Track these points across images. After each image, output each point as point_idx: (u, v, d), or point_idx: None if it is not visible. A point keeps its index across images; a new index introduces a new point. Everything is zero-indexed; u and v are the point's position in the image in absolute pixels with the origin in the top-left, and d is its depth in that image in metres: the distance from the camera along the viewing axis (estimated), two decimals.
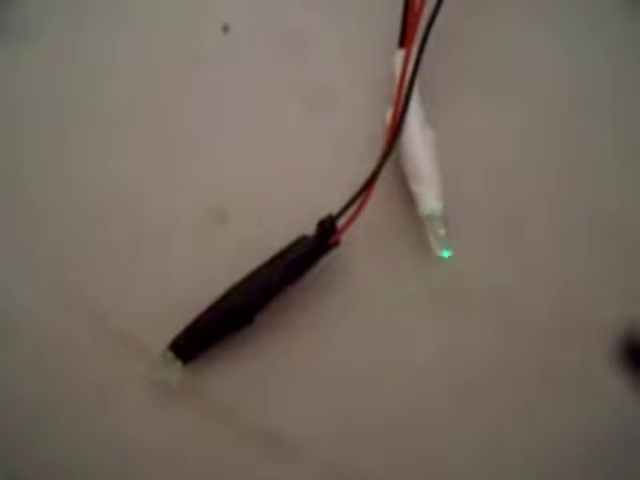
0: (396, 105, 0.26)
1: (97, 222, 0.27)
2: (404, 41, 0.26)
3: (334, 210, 0.25)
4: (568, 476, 0.25)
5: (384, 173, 0.25)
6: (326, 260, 0.25)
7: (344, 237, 0.25)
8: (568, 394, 0.25)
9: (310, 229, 0.25)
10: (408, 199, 0.26)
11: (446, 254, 0.26)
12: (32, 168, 0.27)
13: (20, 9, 0.28)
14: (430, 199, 0.25)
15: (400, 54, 0.26)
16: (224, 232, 0.27)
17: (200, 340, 0.25)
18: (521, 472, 0.25)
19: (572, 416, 0.25)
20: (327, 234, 0.25)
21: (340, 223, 0.25)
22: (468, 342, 0.26)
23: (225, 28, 0.28)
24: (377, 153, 0.26)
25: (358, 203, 0.25)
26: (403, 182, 0.26)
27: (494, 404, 0.25)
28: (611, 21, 0.28)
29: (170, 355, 0.25)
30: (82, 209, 0.27)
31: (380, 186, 0.25)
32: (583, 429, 0.25)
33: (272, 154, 0.27)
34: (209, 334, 0.25)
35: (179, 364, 0.25)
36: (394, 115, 0.26)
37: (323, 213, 0.25)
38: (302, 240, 0.25)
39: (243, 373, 0.25)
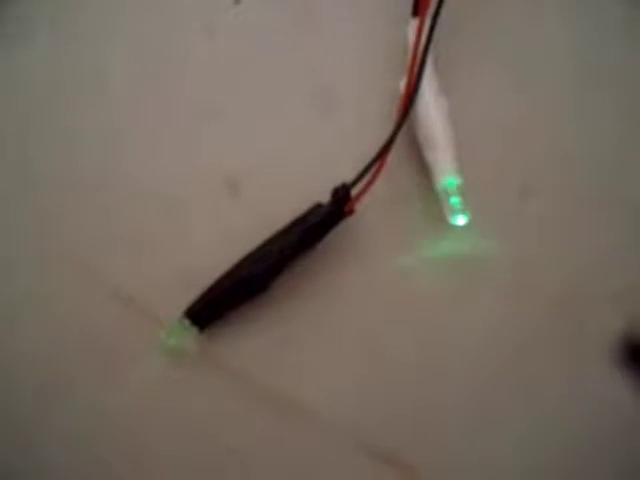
0: (410, 73, 0.26)
1: (111, 193, 0.27)
2: (417, 9, 0.26)
3: (348, 179, 0.25)
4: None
5: (398, 141, 0.25)
6: (340, 228, 0.25)
7: (358, 205, 0.25)
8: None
9: (324, 200, 0.25)
10: (422, 167, 0.26)
11: (461, 222, 0.26)
12: (41, 149, 0.27)
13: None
14: (445, 167, 0.25)
15: (413, 23, 0.26)
16: (239, 201, 0.27)
17: (216, 307, 0.25)
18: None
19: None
20: (341, 202, 0.25)
21: (354, 191, 0.25)
22: (480, 309, 0.26)
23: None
24: (391, 122, 0.25)
25: (372, 171, 0.25)
26: (417, 151, 0.26)
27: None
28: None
29: (186, 322, 0.25)
30: (94, 181, 0.27)
31: (394, 154, 0.25)
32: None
33: (285, 124, 0.27)
34: (224, 301, 0.25)
35: (195, 330, 0.25)
36: (408, 83, 0.26)
37: (336, 183, 0.25)
38: (317, 208, 0.25)
39: (258, 339, 0.25)
